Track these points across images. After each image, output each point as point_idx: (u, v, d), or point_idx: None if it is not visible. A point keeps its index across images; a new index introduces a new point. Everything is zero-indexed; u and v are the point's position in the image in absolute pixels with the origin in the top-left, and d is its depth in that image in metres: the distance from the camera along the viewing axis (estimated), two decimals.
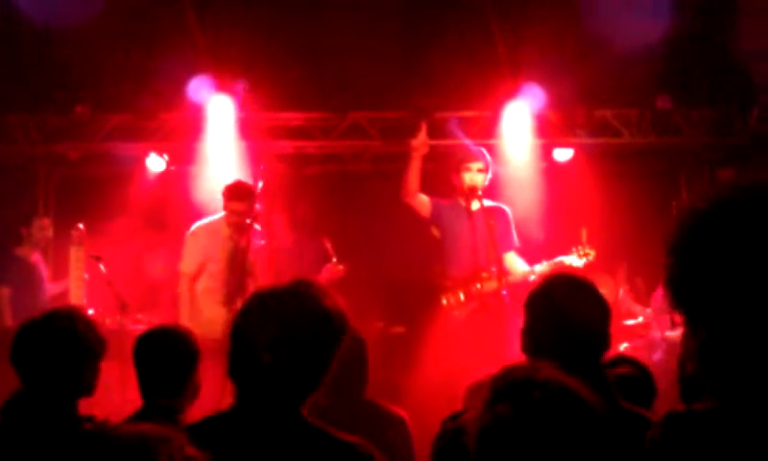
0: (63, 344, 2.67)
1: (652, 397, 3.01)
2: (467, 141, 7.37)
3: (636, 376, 2.89)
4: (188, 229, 6.21)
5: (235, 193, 5.90)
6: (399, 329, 7.12)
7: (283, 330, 1.98)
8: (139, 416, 2.88)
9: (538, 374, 1.55)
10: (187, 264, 5.98)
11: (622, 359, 2.91)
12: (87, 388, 2.75)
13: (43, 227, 7.24)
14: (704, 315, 1.46)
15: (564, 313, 2.42)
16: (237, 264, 5.83)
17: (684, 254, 1.48)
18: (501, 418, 1.48)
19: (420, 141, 5.89)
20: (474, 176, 5.82)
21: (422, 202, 5.98)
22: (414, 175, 5.88)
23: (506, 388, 1.52)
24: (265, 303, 2.05)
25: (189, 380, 2.98)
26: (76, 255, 6.59)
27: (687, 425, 1.46)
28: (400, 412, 3.19)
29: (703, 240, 1.45)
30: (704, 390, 1.47)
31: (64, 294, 6.88)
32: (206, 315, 5.76)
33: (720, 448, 1.40)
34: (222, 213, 6.01)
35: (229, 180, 6.16)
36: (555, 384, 1.52)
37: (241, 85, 7.48)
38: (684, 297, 1.49)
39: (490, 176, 5.95)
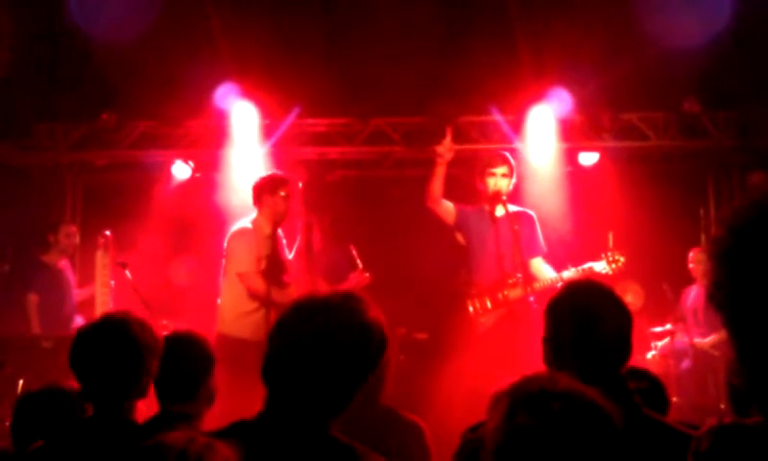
0: (122, 347, 2.66)
1: (665, 408, 2.96)
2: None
3: (647, 390, 2.83)
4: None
5: (282, 181, 5.86)
6: (423, 336, 7.09)
7: (323, 343, 1.95)
8: (156, 422, 2.88)
9: (555, 384, 1.52)
10: (249, 261, 5.74)
11: (633, 373, 2.86)
12: (143, 390, 2.75)
13: (70, 233, 7.30)
14: (748, 323, 1.40)
15: (585, 321, 2.38)
16: (277, 265, 5.84)
17: (730, 258, 1.42)
18: (521, 430, 1.45)
19: (446, 148, 5.85)
20: (499, 181, 5.78)
21: (447, 208, 5.94)
22: (438, 181, 5.84)
23: (524, 399, 1.49)
24: (309, 313, 2.01)
25: (204, 386, 2.98)
26: (102, 262, 6.62)
27: (737, 440, 1.41)
28: (417, 420, 3.16)
29: (751, 245, 1.40)
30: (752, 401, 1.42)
31: (91, 300, 6.92)
32: (250, 315, 5.73)
33: None
34: (254, 215, 5.91)
35: (262, 175, 6.09)
36: (574, 395, 1.49)
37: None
38: (728, 303, 1.44)
39: (514, 181, 5.91)
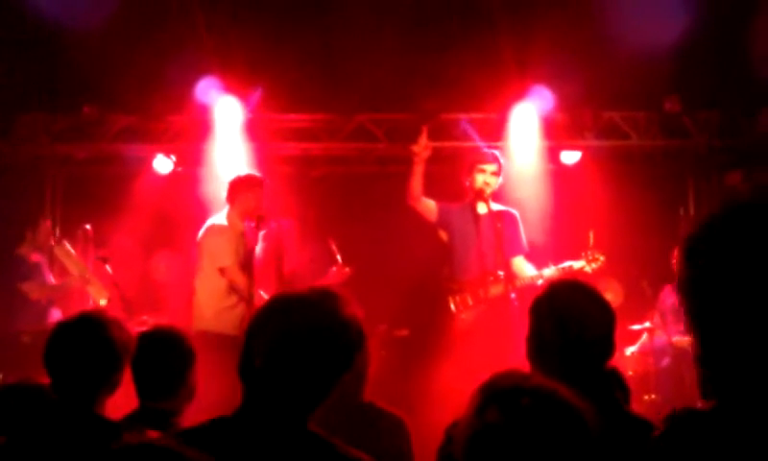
0: (96, 344, 2.67)
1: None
2: (479, 143, 7.40)
3: None
4: (194, 230, 6.17)
5: (260, 182, 5.94)
6: (403, 332, 7.11)
7: (299, 338, 1.96)
8: (134, 418, 2.87)
9: (527, 381, 1.55)
10: (231, 256, 5.76)
11: None
12: (113, 388, 2.74)
13: (47, 230, 7.22)
14: (711, 315, 1.46)
15: (569, 319, 2.40)
16: (250, 261, 5.83)
17: (697, 255, 1.48)
18: (489, 424, 1.48)
19: (422, 146, 5.89)
20: (488, 178, 5.83)
21: (428, 206, 5.97)
22: (417, 179, 5.88)
23: (495, 395, 1.52)
24: (285, 309, 2.03)
25: (184, 383, 2.97)
26: (63, 251, 6.58)
27: (688, 426, 1.45)
28: (399, 414, 3.17)
29: (719, 242, 1.45)
30: (710, 390, 1.47)
31: (70, 292, 6.85)
32: (232, 310, 5.70)
33: (719, 448, 1.39)
34: (225, 211, 5.95)
35: (241, 172, 6.16)
36: (544, 391, 1.52)
37: (256, 92, 7.55)
38: (693, 297, 1.49)
39: (501, 180, 5.94)
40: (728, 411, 1.42)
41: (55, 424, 2.60)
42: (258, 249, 6.15)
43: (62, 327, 2.75)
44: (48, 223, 7.36)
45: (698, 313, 1.48)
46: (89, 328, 2.69)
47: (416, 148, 5.90)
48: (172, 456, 1.31)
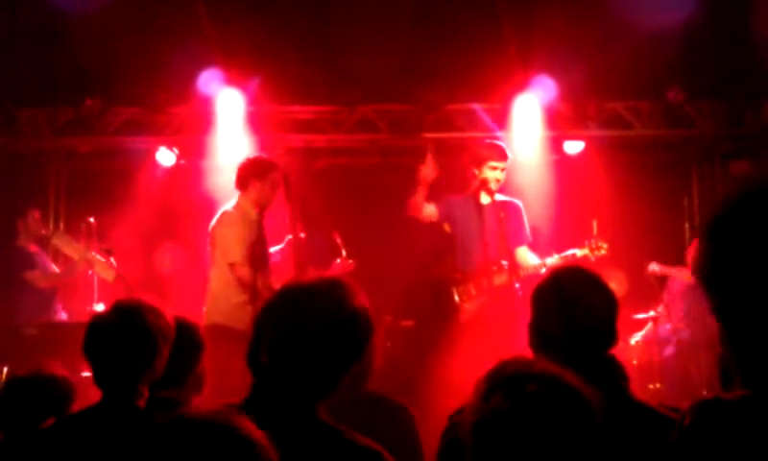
0: (137, 334, 2.66)
1: None
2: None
3: None
4: (198, 222, 6.15)
5: (271, 166, 5.75)
6: (408, 323, 7.12)
7: (309, 328, 1.97)
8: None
9: (532, 367, 1.55)
10: (240, 251, 5.56)
11: None
12: (154, 376, 2.74)
13: (37, 218, 7.19)
14: (737, 302, 1.44)
15: (572, 306, 2.39)
16: (263, 250, 5.77)
17: (721, 239, 1.47)
18: (495, 410, 1.48)
19: (429, 170, 5.86)
20: (498, 175, 5.84)
21: (430, 212, 5.94)
22: (420, 198, 5.85)
23: (501, 381, 1.52)
24: (295, 299, 2.03)
25: (192, 373, 2.97)
26: (61, 240, 6.57)
27: (716, 414, 1.45)
28: (405, 405, 3.17)
29: (742, 225, 1.44)
30: (736, 378, 1.47)
31: (75, 277, 6.85)
32: (247, 305, 5.63)
33: (749, 437, 1.39)
34: (236, 198, 5.80)
35: (250, 157, 5.95)
36: (549, 377, 1.52)
37: (254, 81, 7.55)
38: (718, 283, 1.48)
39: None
40: (760, 401, 1.40)
41: (96, 414, 2.61)
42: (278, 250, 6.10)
43: (100, 318, 2.75)
44: (36, 212, 7.29)
45: (727, 297, 1.46)
46: (127, 318, 2.68)
47: (423, 172, 5.87)
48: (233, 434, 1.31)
